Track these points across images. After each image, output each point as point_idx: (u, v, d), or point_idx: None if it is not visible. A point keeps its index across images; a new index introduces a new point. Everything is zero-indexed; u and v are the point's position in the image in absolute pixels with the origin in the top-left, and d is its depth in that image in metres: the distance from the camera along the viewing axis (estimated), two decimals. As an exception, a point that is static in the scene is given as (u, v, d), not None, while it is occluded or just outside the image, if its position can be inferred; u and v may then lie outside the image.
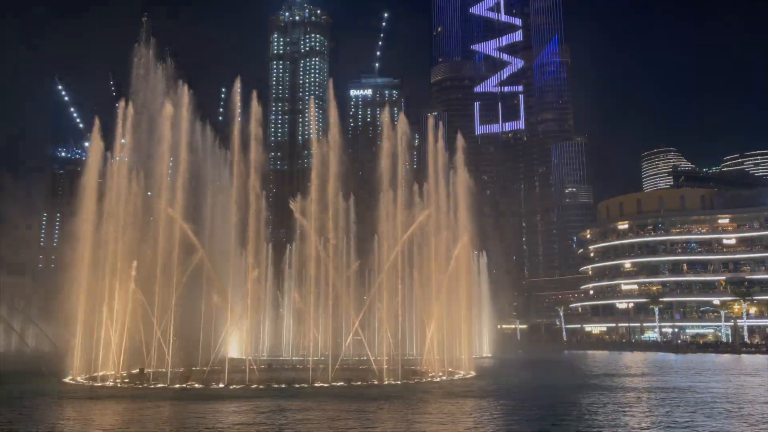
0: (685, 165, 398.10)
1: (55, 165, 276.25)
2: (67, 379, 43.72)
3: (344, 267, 67.68)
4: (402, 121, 56.08)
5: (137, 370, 46.43)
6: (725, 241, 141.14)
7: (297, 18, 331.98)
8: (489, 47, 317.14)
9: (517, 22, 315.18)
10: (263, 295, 64.52)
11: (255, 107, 48.44)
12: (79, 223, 47.90)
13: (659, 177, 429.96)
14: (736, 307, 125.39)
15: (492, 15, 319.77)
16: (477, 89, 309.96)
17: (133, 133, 50.92)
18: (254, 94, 49.83)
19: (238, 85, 50.02)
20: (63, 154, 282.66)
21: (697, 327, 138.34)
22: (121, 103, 49.65)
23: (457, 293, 54.57)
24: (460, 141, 59.38)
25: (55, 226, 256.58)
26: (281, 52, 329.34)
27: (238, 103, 49.13)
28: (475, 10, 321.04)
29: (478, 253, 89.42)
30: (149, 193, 53.36)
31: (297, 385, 40.93)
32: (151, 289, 44.80)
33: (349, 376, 45.50)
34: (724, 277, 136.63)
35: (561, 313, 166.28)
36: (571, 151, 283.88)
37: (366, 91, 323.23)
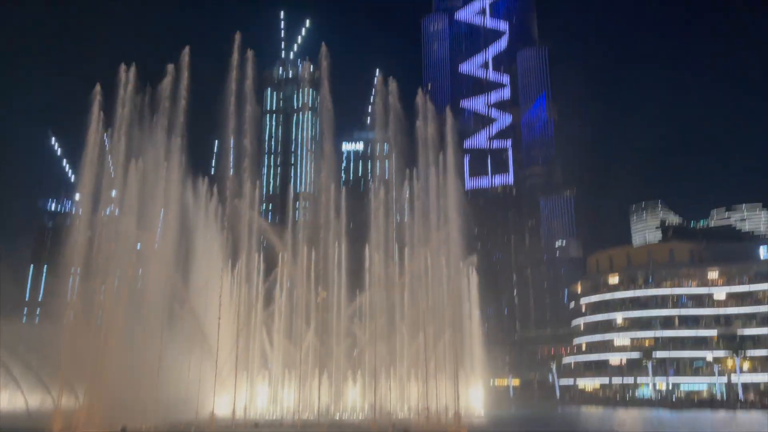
0: (673, 218, 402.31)
1: (44, 218, 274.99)
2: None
3: (334, 314, 66.73)
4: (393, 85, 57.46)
5: (120, 429, 44.88)
6: (716, 296, 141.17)
7: (291, 74, 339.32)
8: (478, 103, 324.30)
9: (505, 80, 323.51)
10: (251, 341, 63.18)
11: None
12: (65, 276, 47.36)
13: (648, 230, 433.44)
14: (730, 362, 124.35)
15: (480, 73, 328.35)
16: (466, 144, 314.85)
17: (124, 186, 51.17)
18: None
19: (237, 39, 51.81)
20: (53, 207, 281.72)
21: (691, 383, 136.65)
22: (112, 157, 50.13)
23: (449, 345, 53.96)
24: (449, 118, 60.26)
25: (41, 279, 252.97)
26: (275, 107, 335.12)
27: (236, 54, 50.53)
28: (464, 68, 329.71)
29: (467, 268, 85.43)
30: (138, 246, 52.95)
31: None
32: (136, 341, 43.98)
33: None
34: (716, 332, 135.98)
35: (553, 368, 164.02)
36: (560, 205, 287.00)
37: (358, 145, 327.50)
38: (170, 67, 54.50)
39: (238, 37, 52.44)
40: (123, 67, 51.96)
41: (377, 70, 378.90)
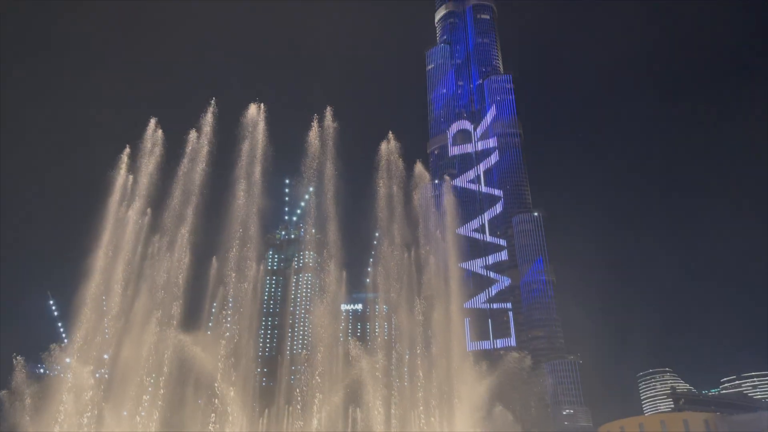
0: (683, 386, 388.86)
1: (31, 382, 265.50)
2: None
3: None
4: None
5: None
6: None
7: (292, 236, 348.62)
8: (476, 266, 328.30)
9: (502, 242, 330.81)
10: None
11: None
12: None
13: (658, 399, 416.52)
14: None
15: (477, 236, 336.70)
16: (466, 305, 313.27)
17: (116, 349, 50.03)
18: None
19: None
20: (41, 371, 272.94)
21: None
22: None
23: None
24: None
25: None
26: (275, 267, 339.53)
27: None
28: (461, 231, 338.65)
29: None
30: (125, 413, 50.40)
31: None
32: None
33: None
34: None
35: None
36: (565, 370, 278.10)
37: (357, 305, 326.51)
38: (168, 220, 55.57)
39: (242, 202, 54.54)
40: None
41: (376, 234, 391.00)
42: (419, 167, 62.78)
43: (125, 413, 49.59)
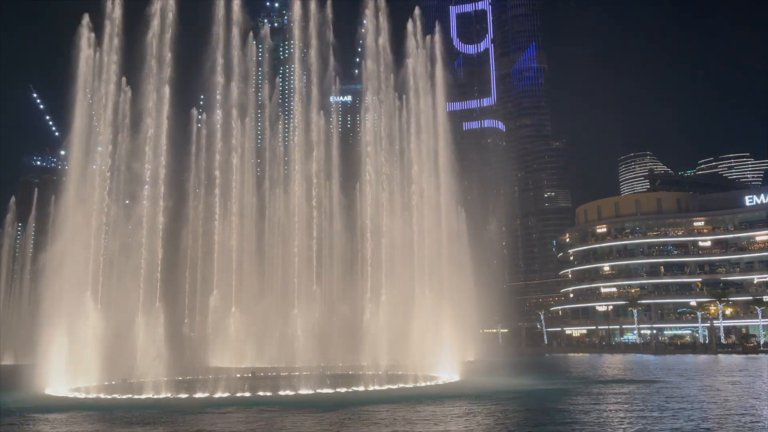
0: (661, 169, 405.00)
1: (30, 174, 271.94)
2: (47, 392, 42.84)
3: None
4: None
5: (120, 380, 45.69)
6: (701, 244, 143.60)
7: (275, 25, 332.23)
8: (470, 49, 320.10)
9: (496, 27, 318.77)
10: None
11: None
12: (57, 226, 47.31)
13: (636, 181, 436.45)
14: (713, 308, 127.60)
15: (470, 22, 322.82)
16: (453, 105, 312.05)
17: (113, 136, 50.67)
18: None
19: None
20: (39, 163, 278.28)
21: (675, 328, 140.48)
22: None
23: (441, 295, 54.90)
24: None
25: (30, 237, 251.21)
26: (260, 59, 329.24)
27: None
28: (454, 17, 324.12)
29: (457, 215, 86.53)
30: (127, 201, 52.84)
31: (282, 393, 40.73)
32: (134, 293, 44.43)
33: (334, 382, 45.37)
34: (700, 279, 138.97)
35: (542, 317, 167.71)
36: (550, 156, 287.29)
37: (346, 97, 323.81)
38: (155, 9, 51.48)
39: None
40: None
41: (365, 21, 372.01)
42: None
43: (127, 201, 52.10)
